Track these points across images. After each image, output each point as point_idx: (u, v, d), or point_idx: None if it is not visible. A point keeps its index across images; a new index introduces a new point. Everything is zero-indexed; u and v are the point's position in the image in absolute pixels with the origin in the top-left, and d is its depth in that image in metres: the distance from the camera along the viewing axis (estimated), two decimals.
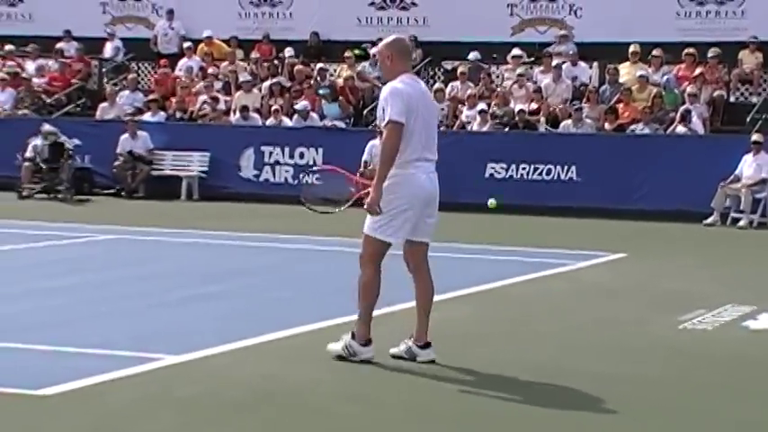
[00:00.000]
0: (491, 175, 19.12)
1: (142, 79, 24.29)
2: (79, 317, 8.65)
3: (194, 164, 20.73)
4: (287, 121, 21.14)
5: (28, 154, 20.19)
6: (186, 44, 23.95)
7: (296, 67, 22.56)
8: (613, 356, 7.73)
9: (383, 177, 6.90)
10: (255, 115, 21.43)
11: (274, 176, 20.43)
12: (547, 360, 7.51)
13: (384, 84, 7.28)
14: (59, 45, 24.58)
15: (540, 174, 19.05)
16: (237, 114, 21.37)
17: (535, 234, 15.76)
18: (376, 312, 7.23)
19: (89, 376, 6.54)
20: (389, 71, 7.15)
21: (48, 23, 25.14)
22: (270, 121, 21.15)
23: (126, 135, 20.71)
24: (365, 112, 21.73)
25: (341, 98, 21.53)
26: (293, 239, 13.82)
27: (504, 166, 19.14)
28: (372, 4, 24.13)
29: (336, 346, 7.22)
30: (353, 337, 7.16)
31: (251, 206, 18.87)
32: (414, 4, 23.91)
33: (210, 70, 23.09)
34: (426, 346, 7.28)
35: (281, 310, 8.32)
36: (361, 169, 19.21)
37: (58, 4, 25.32)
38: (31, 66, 24.37)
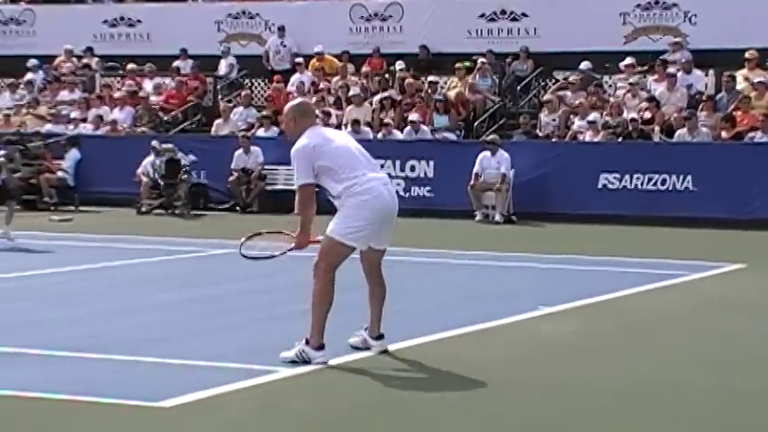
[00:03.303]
0: (604, 185, 18.87)
1: (255, 95, 24.67)
2: (197, 330, 8.83)
3: None
4: (398, 135, 21.25)
5: (146, 170, 20.68)
6: (298, 60, 24.27)
7: (406, 81, 22.65)
8: (730, 370, 7.55)
9: (307, 226, 8.00)
10: (367, 129, 21.57)
11: None
12: (659, 374, 7.39)
13: (292, 141, 7.90)
14: (176, 63, 25.14)
15: (655, 184, 18.75)
16: (349, 128, 21.54)
17: (650, 245, 15.51)
18: (478, 327, 7.21)
19: (207, 388, 6.67)
20: (293, 132, 7.88)
21: (164, 43, 25.73)
22: (381, 135, 21.27)
23: (240, 151, 21.07)
24: (476, 124, 21.71)
25: (452, 110, 21.55)
26: (401, 252, 13.85)
27: (618, 176, 18.88)
28: (482, 15, 24.07)
29: (290, 353, 7.41)
30: (307, 343, 7.39)
31: None
32: (524, 14, 23.78)
33: (322, 85, 23.37)
34: (380, 337, 7.71)
35: (393, 323, 8.36)
36: (473, 182, 19.26)
37: (174, 24, 25.91)
38: (148, 84, 24.99)
